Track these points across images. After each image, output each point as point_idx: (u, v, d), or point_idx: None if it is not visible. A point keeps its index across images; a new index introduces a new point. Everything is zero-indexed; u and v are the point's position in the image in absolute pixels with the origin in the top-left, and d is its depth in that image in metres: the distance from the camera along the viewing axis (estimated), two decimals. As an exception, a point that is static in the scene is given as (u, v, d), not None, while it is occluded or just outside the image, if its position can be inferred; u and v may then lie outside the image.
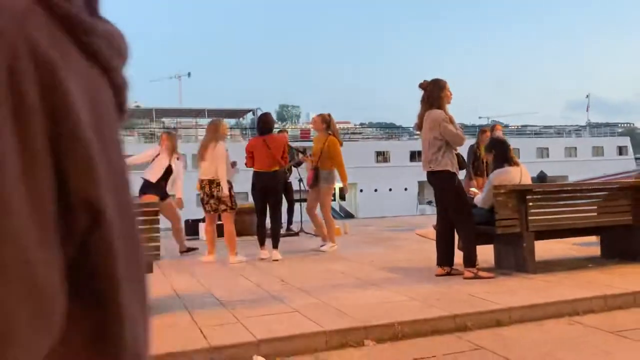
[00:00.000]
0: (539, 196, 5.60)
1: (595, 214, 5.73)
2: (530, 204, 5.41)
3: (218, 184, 6.88)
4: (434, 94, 5.34)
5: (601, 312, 4.21)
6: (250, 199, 7.79)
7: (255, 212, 7.34)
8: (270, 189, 7.12)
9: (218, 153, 6.86)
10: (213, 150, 6.87)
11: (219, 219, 7.30)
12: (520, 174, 5.63)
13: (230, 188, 7.01)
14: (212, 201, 6.94)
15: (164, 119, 65.06)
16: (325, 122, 7.90)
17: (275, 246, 7.08)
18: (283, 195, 7.95)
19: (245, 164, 7.36)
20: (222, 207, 6.94)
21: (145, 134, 50.57)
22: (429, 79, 5.46)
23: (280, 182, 7.37)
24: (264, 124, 7.40)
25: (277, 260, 6.90)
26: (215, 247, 7.17)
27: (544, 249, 6.45)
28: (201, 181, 6.98)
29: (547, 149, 45.20)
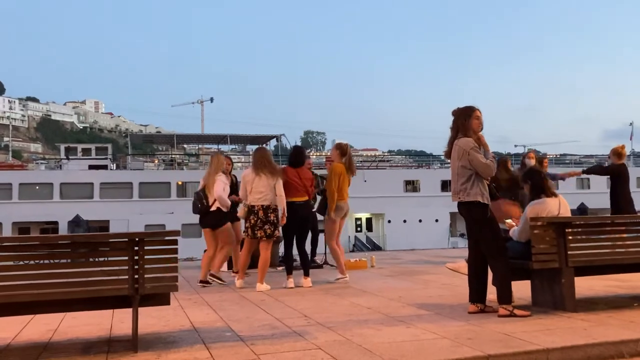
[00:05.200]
0: (579, 229, 5.49)
1: (641, 249, 5.58)
2: (570, 237, 5.30)
3: (274, 210, 7.34)
4: (459, 121, 5.33)
5: (648, 355, 4.08)
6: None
7: (285, 241, 7.75)
8: (306, 218, 7.73)
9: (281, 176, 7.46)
10: (267, 177, 7.35)
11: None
12: (559, 206, 5.54)
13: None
14: (266, 227, 7.34)
15: (185, 145, 65.90)
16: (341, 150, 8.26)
17: (306, 274, 7.62)
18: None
19: None
20: (277, 233, 7.42)
21: (166, 161, 51.23)
22: (460, 104, 5.46)
23: (311, 211, 8.00)
24: (300, 156, 7.93)
25: (309, 287, 7.40)
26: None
27: (585, 286, 6.32)
28: (252, 207, 7.36)
29: (588, 179, 44.47)
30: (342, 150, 8.23)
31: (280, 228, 7.58)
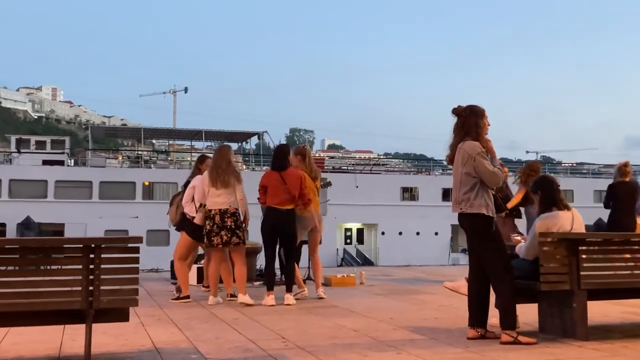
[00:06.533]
0: (594, 247, 5.52)
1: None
2: (584, 256, 5.34)
3: (232, 214, 7.46)
4: (470, 121, 5.33)
5: (666, 391, 4.12)
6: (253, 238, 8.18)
7: (265, 252, 7.82)
8: (284, 227, 7.67)
9: (241, 180, 7.57)
10: (230, 177, 7.47)
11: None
12: (572, 220, 5.57)
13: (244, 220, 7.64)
14: (223, 232, 7.46)
15: (153, 141, 65.61)
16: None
17: (288, 290, 7.64)
18: None
19: (258, 199, 7.88)
20: (235, 239, 7.48)
21: (132, 157, 50.96)
22: (463, 104, 5.46)
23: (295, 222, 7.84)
24: (283, 159, 7.87)
25: (289, 304, 7.39)
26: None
27: (599, 311, 6.36)
28: (208, 212, 7.53)
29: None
30: (302, 154, 8.41)
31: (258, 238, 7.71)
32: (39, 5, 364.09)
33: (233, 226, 7.47)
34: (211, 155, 8.36)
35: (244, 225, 7.64)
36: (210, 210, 7.52)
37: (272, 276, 7.75)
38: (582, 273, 5.27)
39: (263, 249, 7.91)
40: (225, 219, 7.45)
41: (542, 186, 5.76)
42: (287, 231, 7.70)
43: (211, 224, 7.49)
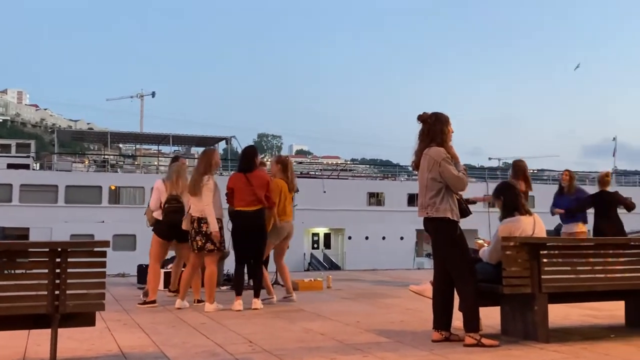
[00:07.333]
0: (555, 251, 5.61)
1: (621, 275, 5.75)
2: (545, 260, 5.42)
3: (207, 221, 7.46)
4: (436, 128, 5.40)
5: (623, 391, 4.20)
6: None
7: (235, 257, 7.77)
8: (251, 228, 7.62)
9: (210, 186, 7.46)
10: (205, 184, 7.44)
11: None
12: (534, 225, 5.66)
13: (221, 227, 7.57)
14: (198, 238, 7.48)
15: (120, 145, 64.84)
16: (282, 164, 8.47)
17: (256, 294, 7.59)
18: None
19: (227, 202, 7.86)
20: (210, 246, 7.47)
21: (98, 161, 50.35)
22: (429, 111, 5.53)
23: (264, 223, 7.80)
24: (249, 161, 7.80)
25: (257, 309, 7.37)
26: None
27: (560, 314, 6.47)
28: (192, 216, 7.57)
29: (567, 197, 45.69)
30: (284, 164, 8.45)
31: (229, 242, 7.68)
32: (2, 7, 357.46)
33: (209, 232, 7.45)
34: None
35: (221, 232, 7.56)
36: (192, 215, 7.57)
37: (240, 282, 7.71)
38: (543, 277, 5.35)
39: (232, 253, 7.90)
40: (202, 225, 7.46)
41: (504, 192, 5.85)
42: (257, 232, 7.65)
43: (191, 229, 7.55)
